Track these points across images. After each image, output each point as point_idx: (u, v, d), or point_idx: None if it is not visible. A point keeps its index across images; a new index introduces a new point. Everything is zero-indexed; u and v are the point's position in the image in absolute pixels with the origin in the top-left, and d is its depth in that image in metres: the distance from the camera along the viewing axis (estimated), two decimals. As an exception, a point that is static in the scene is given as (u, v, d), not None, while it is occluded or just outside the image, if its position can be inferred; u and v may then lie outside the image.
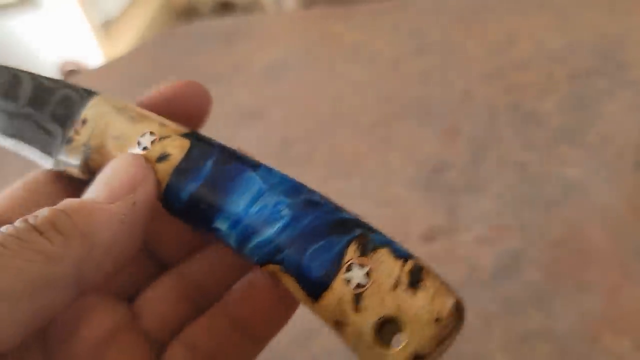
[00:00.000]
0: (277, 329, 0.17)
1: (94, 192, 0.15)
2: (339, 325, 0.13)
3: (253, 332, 0.17)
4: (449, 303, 0.13)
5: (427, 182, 0.32)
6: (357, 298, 0.13)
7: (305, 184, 0.15)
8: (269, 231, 0.14)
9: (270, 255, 0.14)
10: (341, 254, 0.13)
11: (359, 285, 0.13)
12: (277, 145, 0.36)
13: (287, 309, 0.17)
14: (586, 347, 0.23)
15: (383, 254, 0.13)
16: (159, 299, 0.18)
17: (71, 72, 1.51)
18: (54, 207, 0.14)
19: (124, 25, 1.68)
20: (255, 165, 0.15)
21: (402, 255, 0.13)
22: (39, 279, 0.13)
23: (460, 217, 0.29)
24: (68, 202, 0.14)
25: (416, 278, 0.13)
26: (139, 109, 0.17)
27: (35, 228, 0.13)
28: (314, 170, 0.34)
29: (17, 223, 0.13)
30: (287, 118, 0.39)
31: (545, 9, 0.45)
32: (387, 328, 0.13)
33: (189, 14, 1.91)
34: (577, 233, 0.27)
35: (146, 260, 0.19)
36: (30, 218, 0.13)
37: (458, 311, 0.13)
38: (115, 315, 0.17)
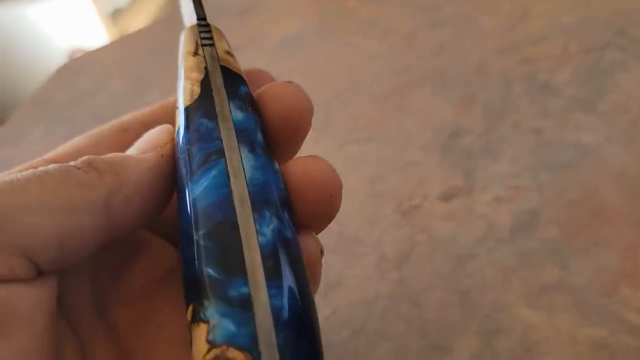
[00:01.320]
0: None
1: (128, 151, 0.17)
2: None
3: None
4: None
5: (443, 147, 0.32)
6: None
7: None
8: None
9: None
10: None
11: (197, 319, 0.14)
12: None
13: None
14: (603, 300, 0.23)
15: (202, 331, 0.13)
16: None
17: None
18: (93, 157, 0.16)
19: (133, 14, 1.68)
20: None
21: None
22: (73, 200, 0.14)
23: (478, 179, 0.30)
24: (105, 156, 0.16)
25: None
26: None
27: (74, 165, 0.15)
28: (332, 136, 0.35)
29: (60, 164, 0.15)
30: (306, 87, 0.39)
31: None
32: None
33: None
34: (593, 194, 0.28)
35: None
36: (72, 162, 0.15)
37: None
38: (169, 257, 0.18)
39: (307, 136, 0.36)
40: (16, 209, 0.13)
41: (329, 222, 0.17)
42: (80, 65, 0.52)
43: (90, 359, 0.16)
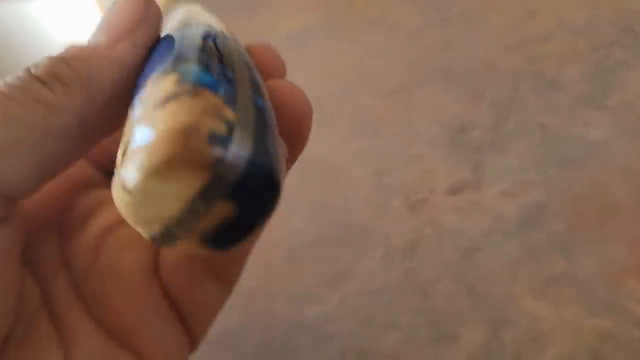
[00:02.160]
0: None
1: (93, 36, 0.15)
2: None
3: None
4: (172, 119, 0.11)
5: (451, 141, 0.32)
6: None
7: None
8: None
9: None
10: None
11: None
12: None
13: None
14: (609, 291, 0.24)
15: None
16: None
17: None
18: (55, 55, 0.14)
19: None
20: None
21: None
22: (43, 128, 0.13)
23: (485, 173, 0.30)
24: (69, 49, 0.14)
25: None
26: None
27: (37, 78, 0.13)
28: (340, 129, 0.35)
29: (20, 73, 0.14)
30: (313, 81, 0.40)
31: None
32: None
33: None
34: (600, 188, 0.28)
35: None
36: (32, 67, 0.14)
37: (187, 132, 0.11)
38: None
39: (316, 130, 0.36)
40: None
41: (301, 148, 0.17)
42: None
43: (50, 304, 0.16)
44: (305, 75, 0.40)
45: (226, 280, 0.17)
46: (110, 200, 0.18)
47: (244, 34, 0.48)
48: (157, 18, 0.15)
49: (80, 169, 0.19)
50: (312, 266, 0.27)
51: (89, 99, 0.14)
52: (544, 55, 0.38)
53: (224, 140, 0.11)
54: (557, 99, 0.34)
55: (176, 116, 0.11)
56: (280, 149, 0.13)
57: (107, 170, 0.20)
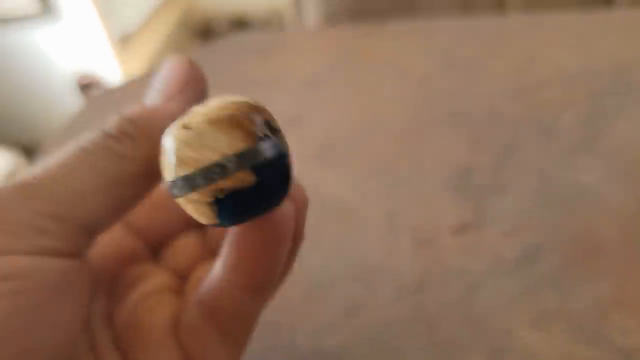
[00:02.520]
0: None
1: (150, 98, 0.18)
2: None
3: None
4: (238, 98, 0.14)
5: (456, 183, 0.35)
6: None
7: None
8: None
9: None
10: None
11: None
12: (317, 148, 0.40)
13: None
14: (598, 324, 0.26)
15: None
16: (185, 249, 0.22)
17: (87, 86, 1.55)
18: (120, 115, 0.17)
19: (142, 41, 1.70)
20: None
21: None
22: (116, 175, 0.16)
23: (487, 214, 0.33)
24: (132, 110, 0.17)
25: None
26: None
27: (110, 135, 0.16)
28: (352, 170, 0.38)
29: (95, 132, 0.16)
30: (326, 124, 0.43)
31: (564, 33, 0.49)
32: None
33: (205, 31, 1.97)
34: (592, 230, 0.31)
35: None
36: (105, 127, 0.16)
37: (246, 106, 0.14)
38: (157, 278, 0.21)
39: (330, 171, 0.39)
40: (73, 194, 0.15)
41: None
42: (116, 96, 0.55)
43: (95, 350, 0.18)
44: (319, 116, 0.44)
45: (236, 343, 0.19)
46: (148, 274, 0.21)
47: (258, 75, 0.51)
48: (202, 77, 0.18)
49: (131, 242, 0.22)
50: (329, 301, 0.30)
51: (151, 149, 0.16)
52: (542, 101, 0.41)
53: (272, 131, 0.14)
54: (553, 145, 0.37)
55: (245, 98, 0.14)
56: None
57: (151, 245, 0.22)
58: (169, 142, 0.14)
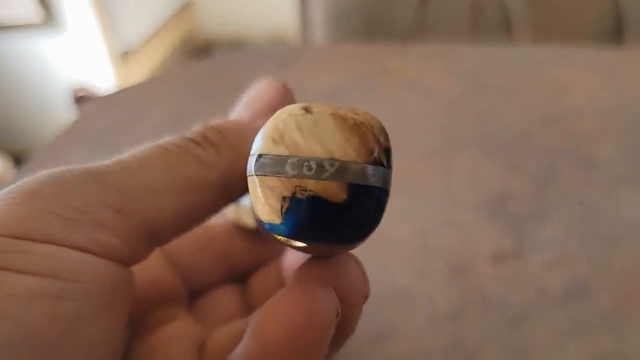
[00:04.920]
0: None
1: (239, 111, 0.18)
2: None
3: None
4: (364, 112, 0.13)
5: (491, 208, 0.33)
6: None
7: None
8: None
9: None
10: None
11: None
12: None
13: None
14: (659, 372, 0.24)
15: None
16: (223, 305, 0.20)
17: (82, 98, 1.53)
18: (204, 124, 0.16)
19: (141, 58, 1.70)
20: None
21: None
22: (194, 179, 0.14)
23: (526, 243, 0.30)
24: (217, 121, 0.16)
25: None
26: None
27: (192, 139, 0.15)
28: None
29: (175, 136, 0.15)
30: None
31: (595, 67, 0.47)
32: None
33: (205, 51, 1.96)
34: (642, 267, 0.28)
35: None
36: (187, 133, 0.15)
37: (372, 120, 0.13)
38: (184, 325, 0.19)
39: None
40: (144, 190, 0.14)
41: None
42: (119, 99, 0.53)
43: None
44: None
45: None
46: (177, 318, 0.19)
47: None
48: (293, 101, 0.18)
49: (171, 278, 0.19)
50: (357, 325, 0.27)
51: (234, 160, 0.15)
52: (577, 132, 0.39)
53: (386, 157, 0.13)
54: (592, 176, 0.35)
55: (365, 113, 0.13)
56: None
57: (191, 289, 0.20)
58: (280, 116, 0.13)
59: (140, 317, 0.18)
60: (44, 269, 0.12)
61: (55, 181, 0.13)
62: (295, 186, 0.12)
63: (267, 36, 1.88)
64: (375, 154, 0.12)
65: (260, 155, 0.12)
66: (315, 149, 0.12)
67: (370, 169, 0.12)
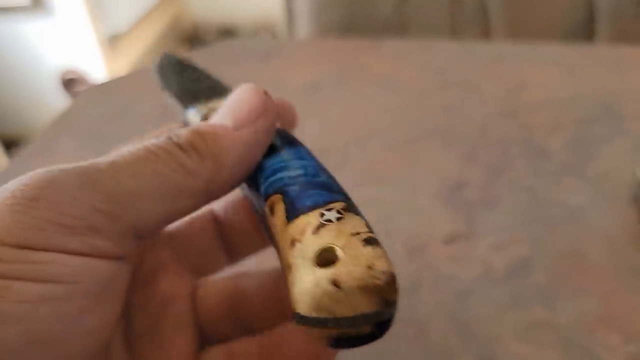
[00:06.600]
0: None
1: (222, 118, 0.18)
2: (293, 242, 0.15)
3: None
4: (386, 265, 0.14)
5: (448, 195, 0.36)
6: (320, 226, 0.15)
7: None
8: (291, 174, 0.17)
9: (279, 188, 0.17)
10: (330, 201, 0.16)
11: (328, 221, 0.15)
12: (315, 153, 0.41)
13: None
14: (584, 339, 0.27)
15: (358, 219, 0.16)
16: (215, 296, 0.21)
17: (70, 81, 1.53)
18: (191, 128, 0.17)
19: (129, 42, 1.69)
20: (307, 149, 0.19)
21: (372, 232, 0.15)
22: (178, 186, 0.16)
23: (477, 226, 0.34)
24: (202, 125, 0.17)
25: (372, 242, 0.15)
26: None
27: (179, 145, 0.16)
28: (348, 177, 0.39)
29: (163, 139, 0.16)
30: (323, 130, 0.44)
31: (554, 63, 0.51)
32: (328, 254, 0.14)
33: (193, 39, 1.97)
34: (578, 249, 0.32)
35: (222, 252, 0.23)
36: (173, 137, 0.17)
37: (391, 278, 0.14)
38: (181, 283, 0.21)
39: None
40: (134, 195, 0.15)
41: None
42: (110, 88, 0.55)
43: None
44: (317, 123, 0.44)
45: None
46: (170, 267, 0.20)
47: (258, 81, 0.52)
48: (274, 110, 0.19)
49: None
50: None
51: (217, 169, 0.17)
52: (532, 124, 0.43)
53: (396, 296, 0.15)
54: (542, 165, 0.38)
55: (388, 264, 0.14)
56: None
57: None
58: (314, 286, 0.14)
59: (136, 269, 0.20)
60: (48, 275, 0.13)
61: (53, 187, 0.14)
62: (338, 334, 0.14)
63: (255, 23, 1.89)
64: (390, 299, 0.14)
65: (305, 317, 0.14)
66: (348, 311, 0.14)
67: (387, 312, 0.14)
